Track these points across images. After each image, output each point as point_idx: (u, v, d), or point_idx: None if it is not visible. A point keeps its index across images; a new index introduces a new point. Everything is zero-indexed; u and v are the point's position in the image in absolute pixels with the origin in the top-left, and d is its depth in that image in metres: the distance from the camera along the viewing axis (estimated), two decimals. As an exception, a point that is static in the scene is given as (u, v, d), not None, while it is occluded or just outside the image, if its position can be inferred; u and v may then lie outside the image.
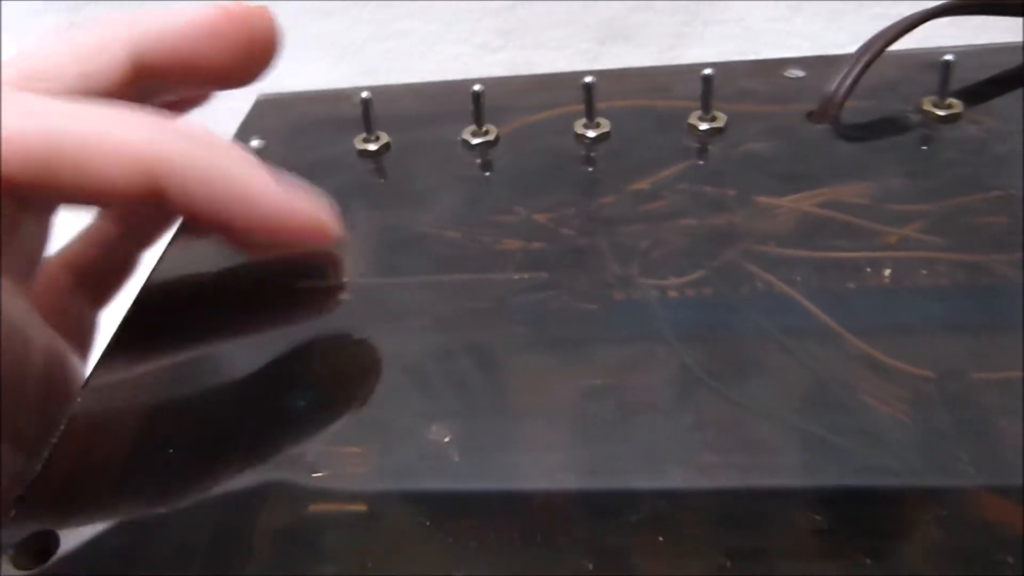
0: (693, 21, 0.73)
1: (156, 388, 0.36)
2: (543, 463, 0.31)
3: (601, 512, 0.30)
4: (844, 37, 0.68)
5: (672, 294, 0.38)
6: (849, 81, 0.45)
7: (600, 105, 0.46)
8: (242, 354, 0.38)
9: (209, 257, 0.41)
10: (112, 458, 0.33)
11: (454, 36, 0.73)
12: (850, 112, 0.46)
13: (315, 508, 0.31)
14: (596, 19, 0.72)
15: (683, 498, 0.30)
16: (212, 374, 0.37)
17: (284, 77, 0.54)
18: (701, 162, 0.45)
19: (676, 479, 0.30)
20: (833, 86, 0.46)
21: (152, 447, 0.34)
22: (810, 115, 0.46)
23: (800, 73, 0.50)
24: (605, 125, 0.46)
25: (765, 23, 0.73)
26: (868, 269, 0.38)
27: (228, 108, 0.76)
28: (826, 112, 0.46)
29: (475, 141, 0.47)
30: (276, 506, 0.31)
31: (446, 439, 0.33)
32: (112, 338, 0.38)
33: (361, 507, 0.31)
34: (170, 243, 0.43)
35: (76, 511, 0.32)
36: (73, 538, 0.31)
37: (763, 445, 0.31)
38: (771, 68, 0.50)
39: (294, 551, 0.30)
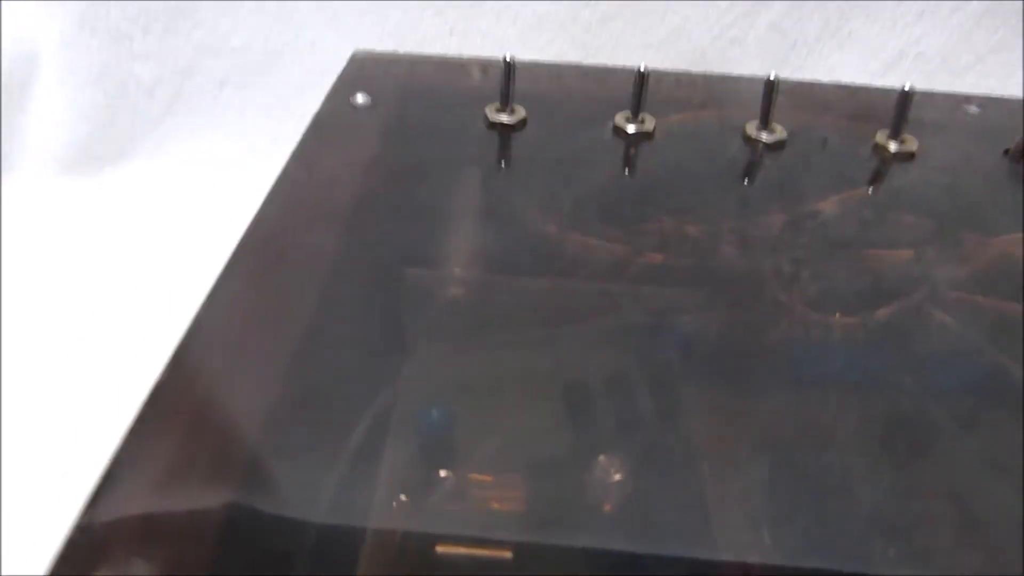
0: (783, 65, 0.68)
1: (260, 384, 0.28)
2: (733, 529, 0.24)
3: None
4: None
5: (841, 334, 0.31)
6: (1055, 121, 0.40)
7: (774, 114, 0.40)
8: (351, 349, 0.29)
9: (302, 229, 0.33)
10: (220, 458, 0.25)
11: (530, 43, 0.66)
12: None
13: (444, 551, 0.23)
14: (687, 48, 0.66)
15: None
16: (321, 366, 0.29)
17: (339, 60, 0.47)
18: (889, 187, 0.39)
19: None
20: (1036, 124, 0.40)
21: (261, 446, 0.25)
22: (1007, 152, 0.41)
23: (976, 110, 0.44)
24: (781, 132, 0.40)
25: (856, 77, 0.68)
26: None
27: (305, 69, 0.68)
28: (1027, 151, 0.40)
29: (630, 130, 0.40)
30: (398, 545, 0.23)
31: (616, 476, 0.26)
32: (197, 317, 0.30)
33: (504, 554, 0.23)
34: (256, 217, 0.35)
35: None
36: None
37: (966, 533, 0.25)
38: (948, 102, 0.45)
39: None
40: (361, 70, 0.45)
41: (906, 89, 0.39)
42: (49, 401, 0.46)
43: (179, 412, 0.26)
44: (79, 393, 0.46)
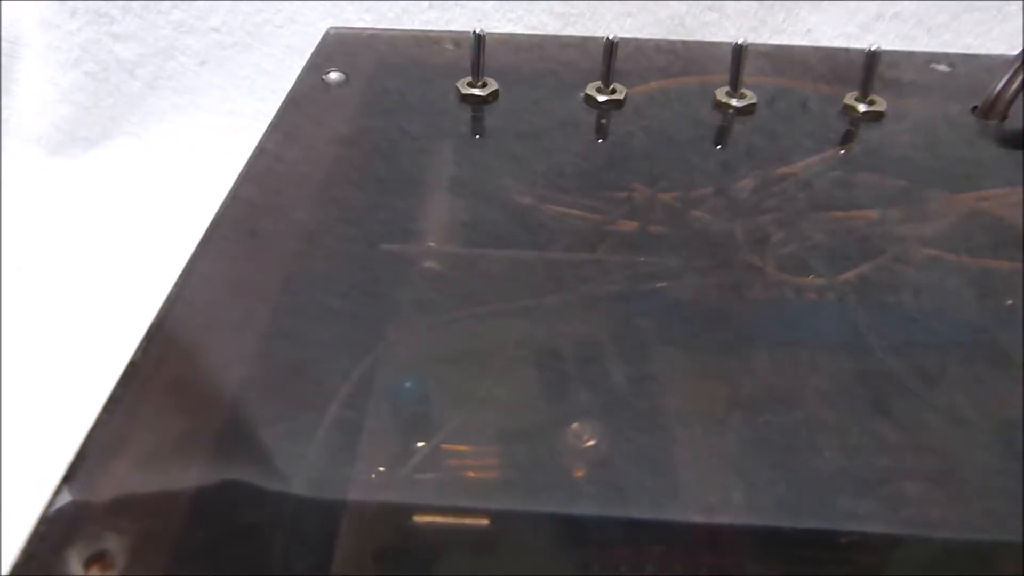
0: (761, 28, 0.68)
1: (237, 359, 0.28)
2: (711, 491, 0.25)
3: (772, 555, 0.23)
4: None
5: (814, 294, 0.32)
6: (1022, 78, 0.41)
7: (745, 80, 0.40)
8: (328, 323, 0.30)
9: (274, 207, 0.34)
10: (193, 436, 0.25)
11: (507, 12, 0.66)
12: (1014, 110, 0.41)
13: (423, 519, 0.24)
14: (664, 14, 0.67)
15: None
16: (297, 340, 0.29)
17: (318, 35, 0.47)
18: (859, 148, 0.39)
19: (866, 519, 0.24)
20: (1002, 82, 0.41)
21: (235, 421, 0.26)
22: (975, 109, 0.41)
23: (946, 68, 0.45)
24: (751, 96, 0.40)
25: (834, 39, 0.68)
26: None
27: (285, 45, 0.69)
28: (994, 107, 0.41)
29: (601, 99, 0.40)
30: (376, 516, 0.24)
31: (588, 442, 0.26)
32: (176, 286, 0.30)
33: (481, 521, 0.24)
34: (235, 188, 0.35)
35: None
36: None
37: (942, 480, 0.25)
38: (917, 61, 0.45)
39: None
40: (335, 46, 0.45)
41: (872, 50, 0.39)
42: (40, 381, 0.47)
43: (154, 388, 0.27)
44: (67, 376, 0.47)
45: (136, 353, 0.28)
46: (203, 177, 0.61)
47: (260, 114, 0.66)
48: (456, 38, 0.45)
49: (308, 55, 0.45)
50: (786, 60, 0.45)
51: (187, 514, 0.23)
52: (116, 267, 0.55)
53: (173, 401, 0.27)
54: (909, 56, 0.45)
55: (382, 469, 0.25)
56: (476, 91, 0.40)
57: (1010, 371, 0.28)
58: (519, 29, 0.68)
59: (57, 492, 0.24)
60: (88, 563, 0.22)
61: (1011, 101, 0.41)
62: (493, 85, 0.41)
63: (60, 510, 0.23)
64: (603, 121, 0.40)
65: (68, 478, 0.24)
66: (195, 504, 0.24)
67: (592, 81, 0.41)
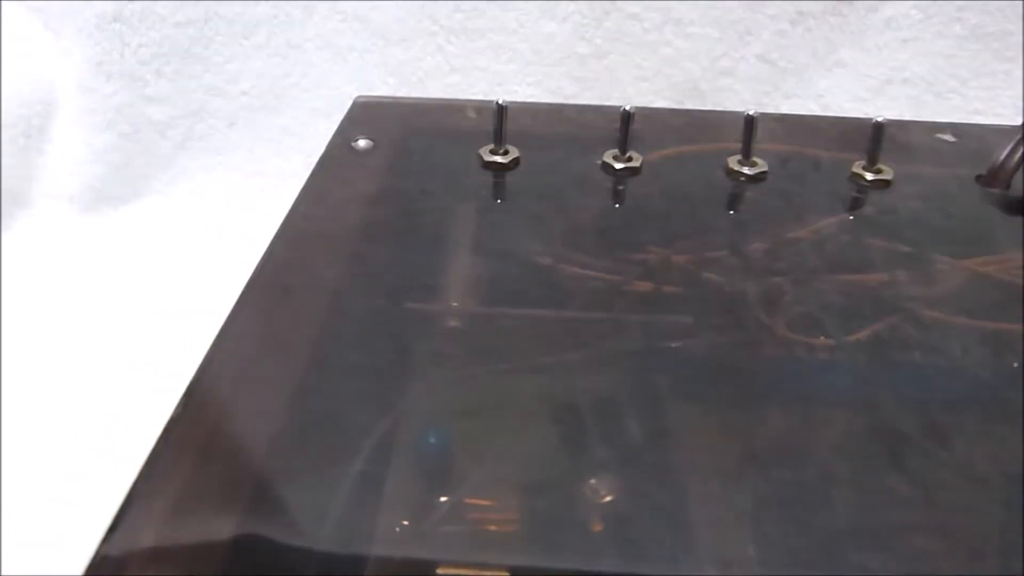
0: (773, 93, 0.70)
1: (269, 415, 0.30)
2: (726, 549, 0.26)
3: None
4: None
5: (823, 354, 0.33)
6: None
7: (756, 147, 0.42)
8: (353, 379, 0.31)
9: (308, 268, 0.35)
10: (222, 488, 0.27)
11: (527, 77, 0.68)
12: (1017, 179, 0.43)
13: (444, 572, 0.25)
14: (679, 79, 0.69)
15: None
16: (325, 395, 0.31)
17: (344, 99, 0.49)
18: (867, 214, 0.41)
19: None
20: (1005, 152, 0.42)
21: (262, 475, 0.27)
22: (979, 178, 0.42)
23: (951, 138, 0.46)
24: (762, 164, 0.42)
25: (845, 103, 0.70)
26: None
27: (311, 108, 0.71)
28: (997, 177, 0.42)
29: (618, 166, 0.42)
30: (400, 569, 0.25)
31: (606, 498, 0.27)
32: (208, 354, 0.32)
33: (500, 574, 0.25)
34: (269, 250, 0.37)
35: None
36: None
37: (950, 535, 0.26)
38: (923, 130, 0.47)
39: None
40: (362, 115, 0.47)
41: (879, 121, 0.41)
42: (59, 425, 0.48)
43: (192, 444, 0.28)
44: (92, 420, 0.48)
45: (176, 409, 0.29)
46: (228, 234, 0.63)
47: (286, 174, 0.69)
48: (477, 106, 0.47)
49: (333, 117, 0.47)
50: (794, 128, 0.47)
51: (223, 566, 0.25)
52: (142, 318, 0.56)
53: (211, 457, 0.28)
54: (915, 126, 0.47)
55: (405, 523, 0.26)
56: (498, 158, 0.42)
57: (1014, 429, 0.29)
58: (539, 92, 0.70)
59: (103, 542, 0.25)
60: None
61: (1014, 171, 0.42)
62: (514, 152, 0.42)
63: (105, 560, 0.24)
64: (620, 187, 0.42)
65: (113, 528, 0.25)
66: (231, 556, 0.25)
67: (608, 147, 0.43)
